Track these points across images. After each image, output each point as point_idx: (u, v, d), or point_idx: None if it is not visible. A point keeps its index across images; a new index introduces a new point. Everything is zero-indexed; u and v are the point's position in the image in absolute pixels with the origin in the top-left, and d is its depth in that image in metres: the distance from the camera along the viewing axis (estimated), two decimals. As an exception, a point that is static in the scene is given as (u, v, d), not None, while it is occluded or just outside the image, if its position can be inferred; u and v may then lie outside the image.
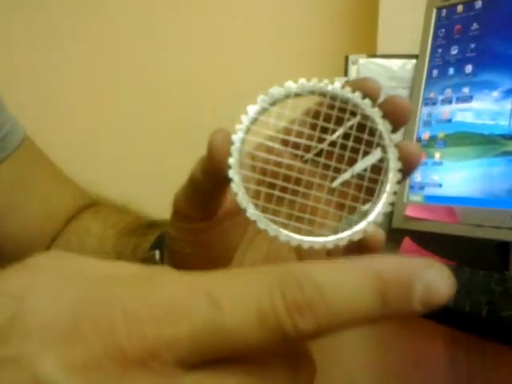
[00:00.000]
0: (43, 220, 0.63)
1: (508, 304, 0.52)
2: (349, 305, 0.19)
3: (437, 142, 0.89)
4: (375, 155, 0.35)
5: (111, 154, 1.18)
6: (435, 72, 0.92)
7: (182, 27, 1.22)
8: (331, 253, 0.34)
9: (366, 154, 0.36)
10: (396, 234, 0.90)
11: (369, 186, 0.35)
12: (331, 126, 0.36)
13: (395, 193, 0.34)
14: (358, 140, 0.35)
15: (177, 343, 0.19)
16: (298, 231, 0.32)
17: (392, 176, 0.34)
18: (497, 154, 0.80)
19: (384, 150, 0.34)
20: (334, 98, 0.34)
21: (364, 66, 0.98)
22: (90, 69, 1.17)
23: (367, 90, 0.34)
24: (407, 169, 0.34)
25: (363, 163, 0.37)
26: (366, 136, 0.34)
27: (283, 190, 0.34)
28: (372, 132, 0.34)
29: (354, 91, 0.34)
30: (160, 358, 0.19)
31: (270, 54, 1.24)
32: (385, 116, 0.34)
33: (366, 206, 0.35)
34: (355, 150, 0.35)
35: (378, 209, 0.34)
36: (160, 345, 0.19)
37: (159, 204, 0.44)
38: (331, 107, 0.34)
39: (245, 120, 0.33)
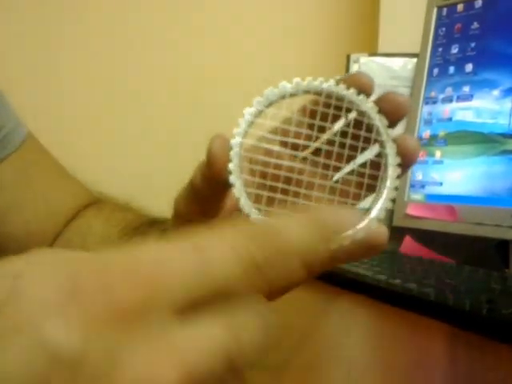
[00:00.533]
0: (45, 218, 0.64)
1: (508, 302, 0.52)
2: (300, 243, 0.24)
3: (437, 141, 0.89)
4: (373, 151, 0.35)
5: (112, 153, 1.18)
6: (436, 71, 0.92)
7: (185, 27, 1.22)
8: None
9: (364, 150, 0.36)
10: (397, 232, 0.91)
11: (369, 183, 0.35)
12: (328, 124, 0.36)
13: (396, 188, 0.34)
14: (355, 137, 0.35)
15: (171, 291, 0.21)
16: None
17: (392, 172, 0.34)
18: (497, 152, 0.80)
19: (382, 146, 0.34)
20: (329, 95, 0.34)
21: (365, 65, 0.98)
22: (90, 68, 1.18)
23: (362, 85, 0.34)
24: (406, 163, 0.34)
25: (362, 159, 0.37)
26: (363, 132, 0.34)
27: (283, 191, 0.34)
28: (369, 128, 0.34)
29: (348, 88, 0.34)
30: (156, 308, 0.21)
31: (272, 53, 1.24)
32: (381, 111, 0.34)
33: (367, 203, 0.35)
34: (353, 147, 0.35)
35: (380, 205, 0.34)
36: (156, 295, 0.21)
37: (160, 203, 0.44)
38: (327, 105, 0.34)
39: (242, 124, 0.33)
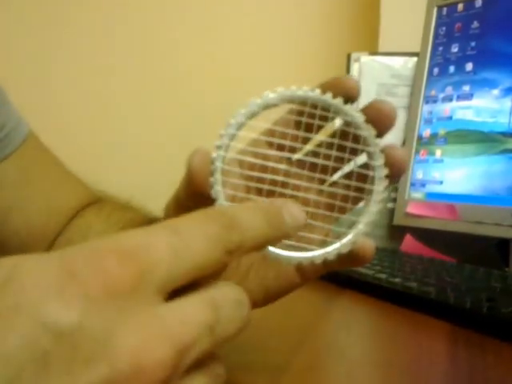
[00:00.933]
0: (47, 216, 0.64)
1: (508, 301, 0.52)
2: (256, 231, 0.27)
3: (437, 140, 0.89)
4: (360, 161, 0.34)
5: (112, 153, 1.18)
6: (436, 70, 0.92)
7: (185, 27, 1.22)
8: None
9: (351, 161, 0.35)
10: (397, 231, 0.91)
11: (355, 196, 0.35)
12: (314, 135, 0.35)
13: (383, 201, 0.33)
14: (342, 148, 0.34)
15: (157, 270, 0.23)
16: (287, 247, 0.32)
17: (378, 185, 0.33)
18: (497, 151, 0.80)
19: (370, 157, 0.33)
20: (314, 105, 0.33)
21: (366, 64, 0.98)
22: (90, 68, 1.18)
23: (349, 90, 0.33)
24: (394, 175, 0.34)
25: (348, 172, 0.36)
26: (350, 143, 0.33)
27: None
28: (357, 138, 0.33)
29: (335, 96, 0.33)
30: (145, 287, 0.23)
31: (272, 52, 1.25)
32: (369, 121, 0.33)
33: (354, 217, 0.35)
34: (340, 159, 0.35)
35: (366, 219, 0.33)
36: (143, 275, 0.23)
37: (160, 203, 0.44)
38: (312, 115, 0.33)
39: (223, 136, 0.32)
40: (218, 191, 0.32)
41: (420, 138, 0.92)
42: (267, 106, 0.33)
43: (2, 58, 1.09)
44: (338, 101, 0.33)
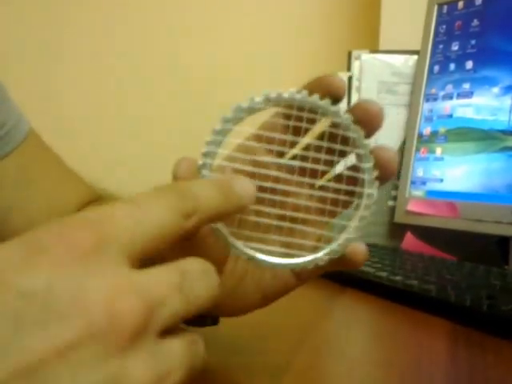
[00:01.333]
0: (48, 215, 0.64)
1: (508, 299, 0.52)
2: (209, 199, 0.29)
3: (438, 138, 0.90)
4: (350, 163, 0.34)
5: (114, 150, 1.18)
6: (436, 68, 0.92)
7: (186, 26, 1.22)
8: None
9: (340, 163, 0.34)
10: (398, 228, 0.91)
11: (345, 199, 0.34)
12: (301, 138, 0.34)
13: (373, 203, 0.33)
14: (331, 151, 0.33)
15: (118, 234, 0.24)
16: (280, 254, 0.32)
17: (368, 187, 0.33)
18: (497, 149, 0.80)
19: (359, 159, 0.33)
20: (301, 107, 0.32)
21: (366, 62, 0.98)
22: (91, 68, 1.18)
23: (335, 89, 0.33)
24: (384, 177, 0.33)
25: (337, 175, 0.36)
26: (339, 146, 0.33)
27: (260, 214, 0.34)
28: (345, 140, 0.33)
29: (321, 96, 0.32)
30: (109, 249, 0.24)
31: (273, 50, 1.24)
32: (357, 122, 0.32)
33: (344, 221, 0.34)
34: (330, 162, 0.34)
35: (357, 222, 0.33)
36: (106, 238, 0.24)
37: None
38: (299, 118, 0.33)
39: (209, 144, 0.32)
40: None
41: (420, 135, 0.92)
42: (253, 111, 0.32)
43: (2, 57, 1.09)
44: (326, 102, 0.32)
